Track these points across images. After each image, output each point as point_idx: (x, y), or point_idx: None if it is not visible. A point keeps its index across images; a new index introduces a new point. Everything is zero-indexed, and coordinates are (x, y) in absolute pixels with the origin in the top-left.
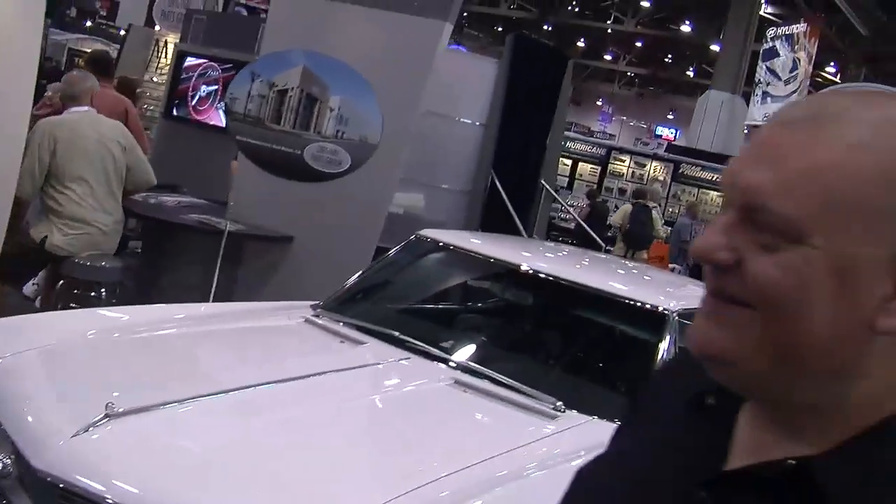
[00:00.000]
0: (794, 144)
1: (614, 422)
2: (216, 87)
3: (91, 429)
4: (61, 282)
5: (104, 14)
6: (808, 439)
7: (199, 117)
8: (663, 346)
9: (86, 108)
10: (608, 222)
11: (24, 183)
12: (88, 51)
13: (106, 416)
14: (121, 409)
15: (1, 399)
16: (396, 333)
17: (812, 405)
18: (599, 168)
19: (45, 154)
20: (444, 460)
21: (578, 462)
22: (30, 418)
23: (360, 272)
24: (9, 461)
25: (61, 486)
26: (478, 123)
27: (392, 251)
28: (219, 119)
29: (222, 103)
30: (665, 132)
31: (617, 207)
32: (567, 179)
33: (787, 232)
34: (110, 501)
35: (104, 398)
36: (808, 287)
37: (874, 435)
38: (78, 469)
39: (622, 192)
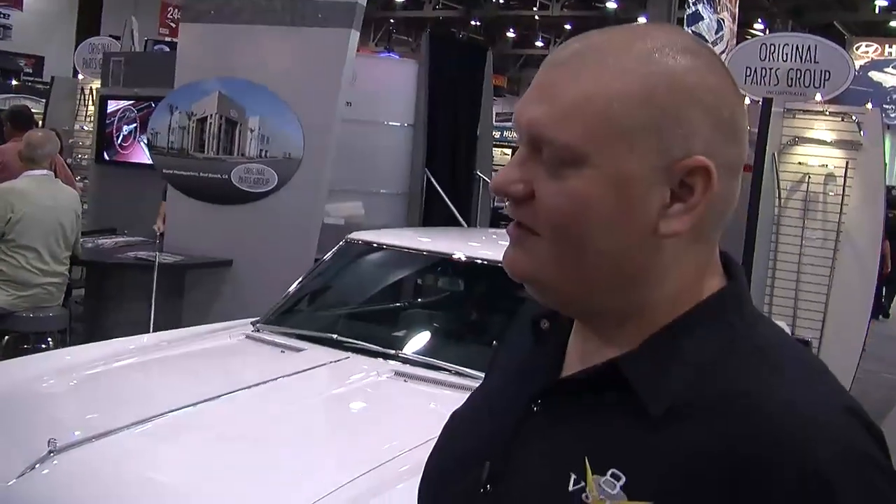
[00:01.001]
0: (564, 79)
1: None
2: (135, 124)
3: (37, 466)
4: (6, 337)
5: (30, 71)
6: (619, 343)
7: (125, 158)
8: None
9: (44, 171)
10: None
11: None
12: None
13: (49, 451)
14: (64, 444)
15: None
16: (335, 336)
17: (619, 313)
18: None
19: (1, 223)
20: (387, 445)
21: None
22: None
23: (297, 283)
24: None
25: None
26: (406, 125)
27: (325, 258)
28: (143, 156)
29: (143, 138)
30: None
31: None
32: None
33: (567, 158)
34: None
35: (47, 436)
36: (591, 207)
37: (670, 330)
38: None
39: None
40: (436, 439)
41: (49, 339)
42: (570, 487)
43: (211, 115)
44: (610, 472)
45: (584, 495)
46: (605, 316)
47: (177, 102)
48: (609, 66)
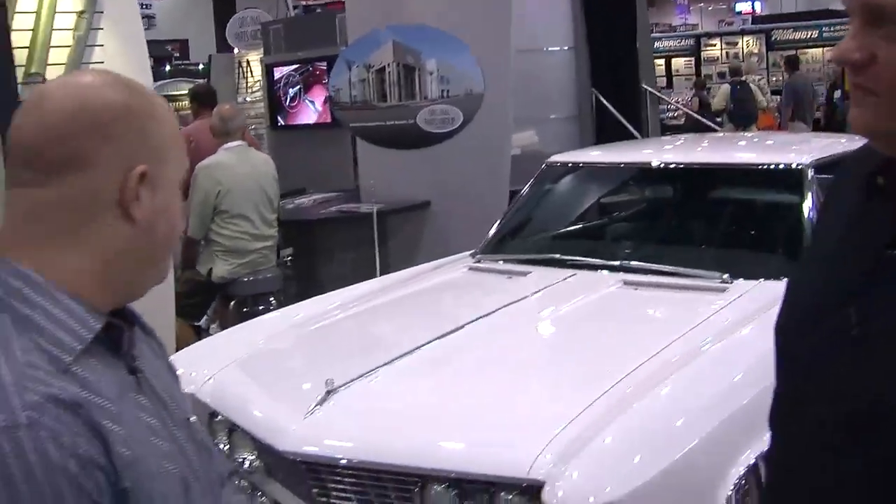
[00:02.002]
0: None
1: (780, 279)
2: (299, 86)
3: (318, 407)
4: (232, 303)
5: (178, 55)
6: None
7: (295, 120)
8: (806, 198)
9: (239, 142)
10: (712, 107)
11: (195, 225)
12: (176, 93)
13: (327, 392)
14: (338, 384)
15: (229, 407)
16: (557, 256)
17: None
18: (693, 59)
19: (212, 198)
20: (626, 358)
21: (750, 327)
22: (262, 415)
23: (505, 212)
24: (253, 457)
25: (306, 462)
26: (566, 48)
27: (528, 185)
28: (310, 115)
29: (308, 99)
30: (744, 7)
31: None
32: (664, 79)
33: None
34: (348, 463)
35: (317, 380)
36: None
37: None
38: (317, 443)
39: (721, 75)
40: (686, 336)
41: (271, 299)
42: None
43: (388, 64)
44: None
45: None
46: None
47: (353, 57)
48: None
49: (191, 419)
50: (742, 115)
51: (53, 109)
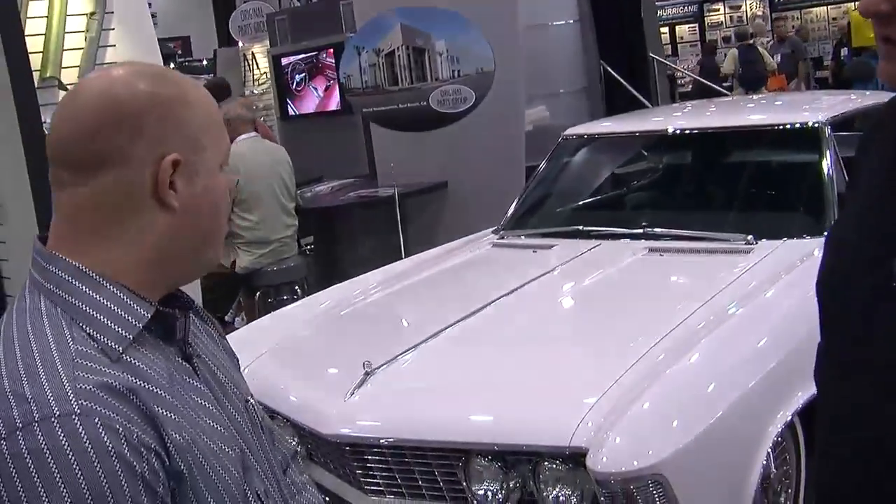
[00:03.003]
0: None
1: (804, 237)
2: (304, 73)
3: (357, 389)
4: (257, 294)
5: (180, 53)
6: None
7: (304, 108)
8: (825, 156)
9: (252, 133)
10: (721, 72)
11: None
12: None
13: (366, 373)
14: (375, 366)
15: (266, 395)
16: (580, 227)
17: None
18: (697, 25)
19: (231, 188)
20: (656, 324)
21: (777, 286)
22: (301, 400)
23: (525, 187)
24: (294, 442)
25: (349, 444)
26: (571, 21)
27: (545, 158)
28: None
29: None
30: None
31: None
32: (669, 46)
33: None
34: (390, 442)
35: (353, 363)
36: None
37: None
38: (359, 425)
39: (727, 40)
40: (714, 300)
41: (296, 287)
42: None
43: (398, 48)
44: None
45: None
46: None
47: (362, 42)
48: None
49: (249, 401)
50: (752, 78)
51: (82, 108)
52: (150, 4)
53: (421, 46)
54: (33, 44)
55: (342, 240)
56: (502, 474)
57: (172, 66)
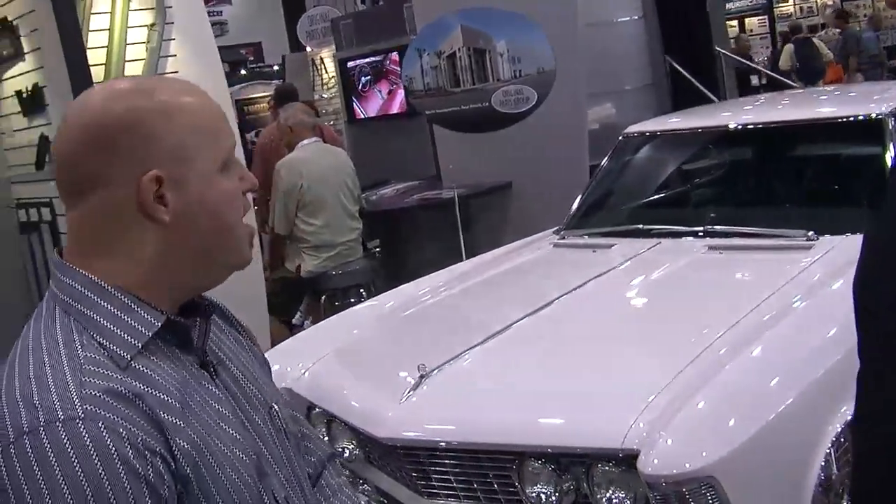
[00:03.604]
0: None
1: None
2: (369, 76)
3: (412, 391)
4: (323, 298)
5: (252, 59)
6: None
7: (370, 110)
8: (888, 148)
9: (314, 138)
10: (779, 67)
11: (280, 221)
12: (254, 96)
13: (421, 376)
14: (431, 368)
15: (327, 398)
16: (640, 226)
17: None
18: (766, 17)
19: (295, 192)
20: (716, 321)
21: (839, 282)
22: (358, 404)
23: (586, 186)
24: (352, 446)
25: (403, 447)
26: (636, 17)
27: (607, 157)
28: (380, 105)
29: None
30: None
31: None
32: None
33: None
34: (446, 444)
35: (410, 366)
36: None
37: None
38: (414, 428)
39: (794, 31)
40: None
41: (362, 291)
42: None
43: (458, 49)
44: None
45: None
46: None
47: (423, 45)
48: None
49: (274, 408)
50: (809, 71)
51: (65, 137)
52: (220, 13)
53: (482, 47)
54: (95, 56)
55: (407, 242)
56: (556, 477)
57: (244, 72)
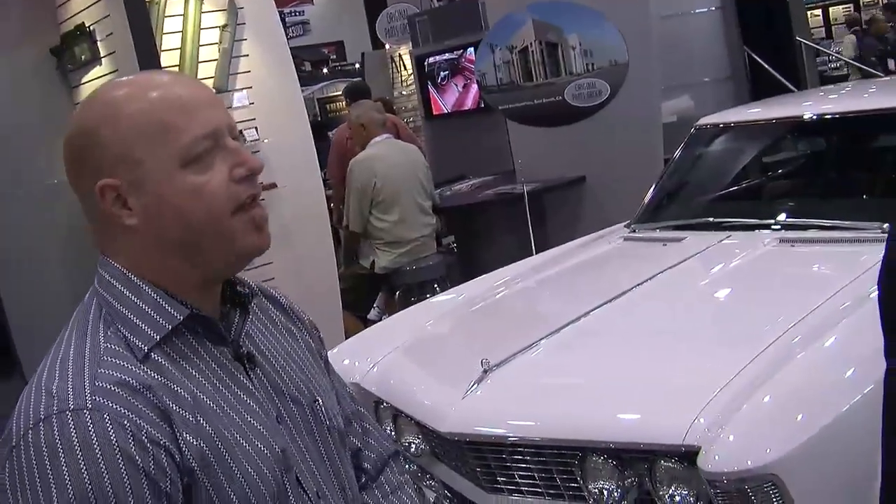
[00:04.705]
0: None
1: None
2: (447, 71)
3: (475, 386)
4: (397, 293)
5: (334, 57)
6: None
7: (451, 107)
8: None
9: (386, 135)
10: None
11: (355, 219)
12: (336, 94)
13: (484, 371)
14: (494, 364)
15: (393, 393)
16: (711, 219)
17: None
18: (851, 5)
19: (369, 190)
20: (786, 314)
21: None
22: (423, 398)
23: (657, 179)
24: (419, 440)
25: (468, 441)
26: (713, 8)
27: (679, 149)
28: (455, 100)
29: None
30: None
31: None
32: (822, 29)
33: None
34: (512, 440)
35: (476, 360)
36: None
37: None
38: (476, 422)
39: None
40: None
41: (436, 286)
42: None
43: (530, 44)
44: None
45: None
46: None
47: (495, 40)
48: None
49: (318, 402)
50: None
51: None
52: (302, 13)
53: (553, 41)
54: (169, 58)
55: (481, 237)
56: (618, 472)
57: (325, 70)
